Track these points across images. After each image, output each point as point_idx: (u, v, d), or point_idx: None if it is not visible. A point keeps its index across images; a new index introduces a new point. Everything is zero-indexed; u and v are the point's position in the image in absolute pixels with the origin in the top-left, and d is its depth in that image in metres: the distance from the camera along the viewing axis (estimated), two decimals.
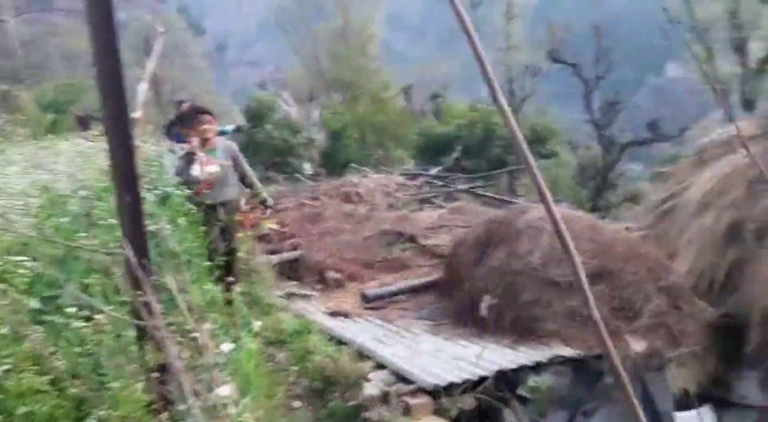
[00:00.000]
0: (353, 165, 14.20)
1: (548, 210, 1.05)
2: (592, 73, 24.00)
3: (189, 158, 4.93)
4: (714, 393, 5.36)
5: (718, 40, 21.54)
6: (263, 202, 5.31)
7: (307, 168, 17.60)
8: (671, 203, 5.41)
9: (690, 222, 5.16)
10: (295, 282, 6.65)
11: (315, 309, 5.76)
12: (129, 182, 2.85)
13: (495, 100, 0.96)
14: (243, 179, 5.21)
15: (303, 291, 6.19)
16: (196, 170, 4.86)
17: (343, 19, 26.49)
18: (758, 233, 4.89)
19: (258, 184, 5.39)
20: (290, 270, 6.99)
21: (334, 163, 17.81)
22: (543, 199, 1.01)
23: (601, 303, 4.70)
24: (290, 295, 5.99)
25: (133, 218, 2.86)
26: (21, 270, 2.61)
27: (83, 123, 14.00)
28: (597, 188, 22.52)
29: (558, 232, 1.02)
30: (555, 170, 23.78)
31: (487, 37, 25.76)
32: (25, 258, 2.82)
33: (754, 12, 19.31)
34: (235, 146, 5.31)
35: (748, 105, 20.64)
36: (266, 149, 17.04)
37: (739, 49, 20.34)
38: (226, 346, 2.46)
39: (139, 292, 2.72)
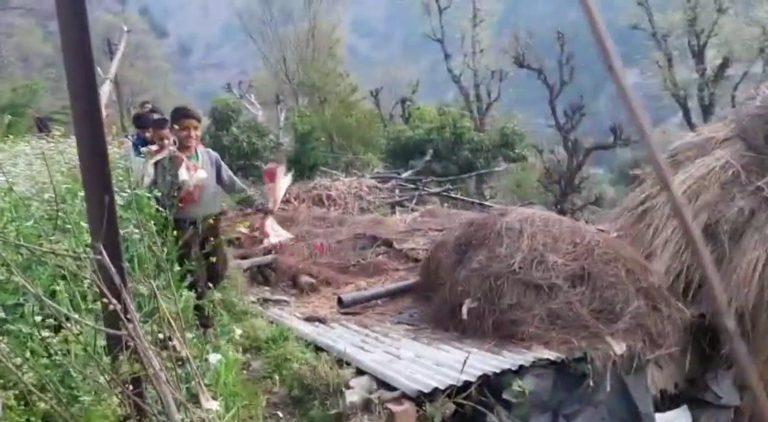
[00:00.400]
0: (323, 168, 14.05)
1: (675, 206, 0.95)
2: (555, 79, 24.38)
3: (176, 161, 4.56)
4: (690, 394, 5.40)
5: (677, 47, 22.10)
6: (263, 209, 5.11)
7: None
8: (646, 205, 5.44)
9: (665, 224, 5.20)
10: (267, 288, 6.48)
11: (290, 314, 5.61)
12: (102, 184, 2.70)
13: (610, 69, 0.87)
14: (232, 187, 4.97)
15: (277, 297, 6.03)
16: (184, 174, 4.44)
17: (310, 23, 26.38)
18: (732, 234, 4.95)
19: (247, 189, 5.22)
20: (262, 276, 6.82)
21: (301, 166, 17.65)
22: (667, 189, 0.91)
23: (582, 305, 4.69)
24: (264, 301, 5.83)
25: (107, 222, 2.70)
26: None
27: (42, 125, 13.53)
28: (562, 191, 22.83)
29: (684, 225, 0.92)
30: (521, 173, 24.04)
31: (454, 41, 25.98)
32: None
33: (711, 20, 19.88)
34: (216, 154, 5.03)
35: (706, 110, 21.21)
36: (232, 152, 16.78)
37: (697, 55, 20.90)
38: (214, 357, 2.32)
39: (112, 299, 2.56)
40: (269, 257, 6.95)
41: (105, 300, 2.56)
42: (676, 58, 21.97)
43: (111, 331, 2.24)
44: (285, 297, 6.07)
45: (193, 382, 2.50)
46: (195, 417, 1.86)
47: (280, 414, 4.04)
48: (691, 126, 21.45)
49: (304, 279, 6.50)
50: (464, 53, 25.48)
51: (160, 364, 1.87)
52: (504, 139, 16.50)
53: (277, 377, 4.42)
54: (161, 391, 1.81)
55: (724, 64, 19.93)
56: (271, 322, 5.32)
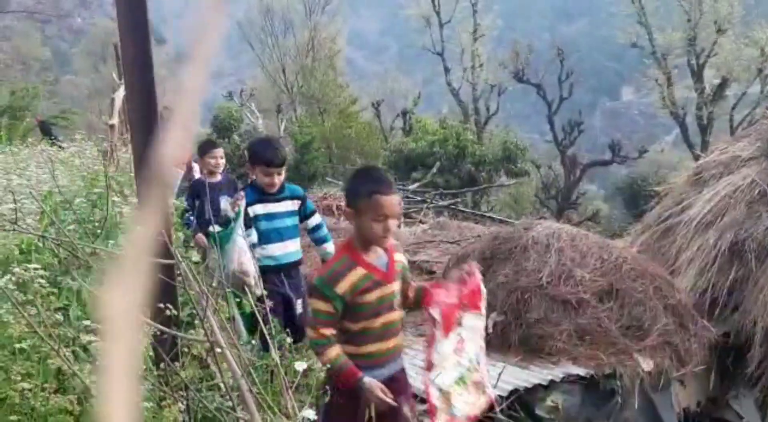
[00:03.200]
0: (329, 178, 14.01)
1: None
2: (554, 94, 24.58)
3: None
4: (711, 413, 5.38)
5: (676, 65, 22.35)
6: None
7: None
8: (670, 222, 5.44)
9: (690, 241, 5.20)
10: None
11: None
12: (157, 189, 2.65)
13: None
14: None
15: None
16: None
17: (311, 33, 26.45)
18: (759, 253, 4.95)
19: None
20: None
21: (300, 175, 17.64)
22: None
23: (611, 320, 4.66)
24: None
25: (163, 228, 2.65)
26: (40, 280, 2.36)
27: (45, 128, 13.43)
28: (559, 206, 22.94)
29: None
30: (518, 188, 24.11)
31: (453, 55, 26.13)
32: (38, 266, 2.57)
33: (711, 40, 20.15)
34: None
35: (704, 129, 21.42)
36: (233, 160, 16.75)
37: (696, 75, 21.14)
38: (300, 365, 2.27)
39: (166, 304, 2.51)
40: None
41: (161, 305, 2.52)
42: (674, 76, 22.21)
43: (188, 337, 2.18)
44: None
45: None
46: None
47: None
48: (689, 144, 21.66)
49: None
50: (464, 67, 25.62)
51: (241, 370, 1.82)
52: (506, 152, 16.55)
53: (303, 388, 4.36)
54: (244, 398, 1.75)
55: (723, 84, 20.15)
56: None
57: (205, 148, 5.13)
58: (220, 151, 5.14)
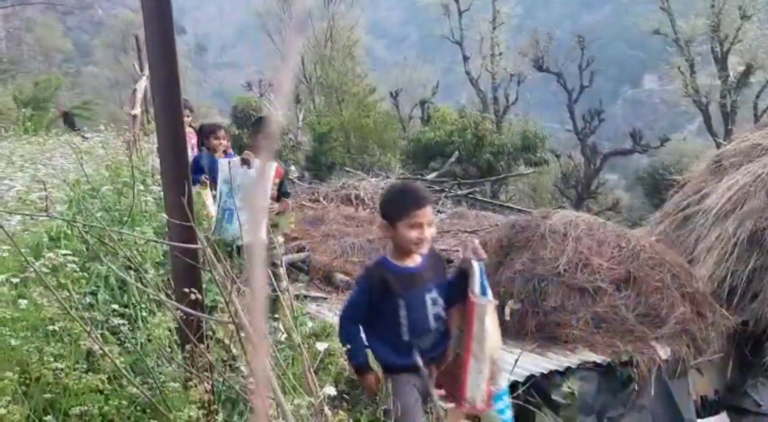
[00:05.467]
0: (347, 168, 14.08)
1: None
2: (574, 83, 24.31)
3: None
4: (729, 401, 5.38)
5: (699, 53, 21.97)
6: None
7: (293, 170, 17.46)
8: (689, 210, 5.43)
9: (709, 230, 5.18)
10: (303, 284, 6.51)
11: (329, 311, 5.63)
12: (179, 177, 2.72)
13: None
14: None
15: (314, 294, 6.06)
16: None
17: (329, 23, 26.43)
18: None
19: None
20: (296, 273, 6.84)
21: (319, 166, 17.69)
22: None
23: (628, 308, 4.68)
24: (302, 298, 5.85)
25: (182, 214, 2.73)
26: (71, 265, 2.45)
27: (69, 119, 13.65)
28: (579, 196, 22.75)
29: None
30: (537, 177, 23.96)
31: (472, 44, 25.95)
32: (68, 252, 2.67)
33: (735, 26, 19.76)
34: None
35: (727, 117, 21.06)
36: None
37: (720, 62, 20.77)
38: (321, 345, 2.35)
39: (192, 289, 2.59)
40: (302, 255, 6.98)
41: (186, 290, 2.61)
42: (697, 64, 21.84)
43: (214, 319, 2.27)
44: (322, 295, 6.09)
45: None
46: (305, 402, 1.88)
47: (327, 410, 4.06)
48: (712, 132, 21.32)
49: (339, 277, 6.52)
50: (483, 56, 25.42)
51: (269, 351, 1.90)
52: (526, 142, 16.46)
53: (321, 372, 4.44)
54: (267, 378, 1.83)
55: (747, 71, 19.79)
56: (311, 318, 5.34)
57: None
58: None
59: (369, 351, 2.83)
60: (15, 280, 2.61)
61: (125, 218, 3.63)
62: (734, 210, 5.09)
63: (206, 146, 5.40)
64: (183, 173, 2.75)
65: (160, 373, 2.37)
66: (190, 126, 6.05)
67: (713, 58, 20.99)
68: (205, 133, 5.50)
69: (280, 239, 5.35)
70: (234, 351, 2.57)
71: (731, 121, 20.60)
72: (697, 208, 5.32)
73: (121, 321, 2.82)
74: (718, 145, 13.06)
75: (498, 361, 2.72)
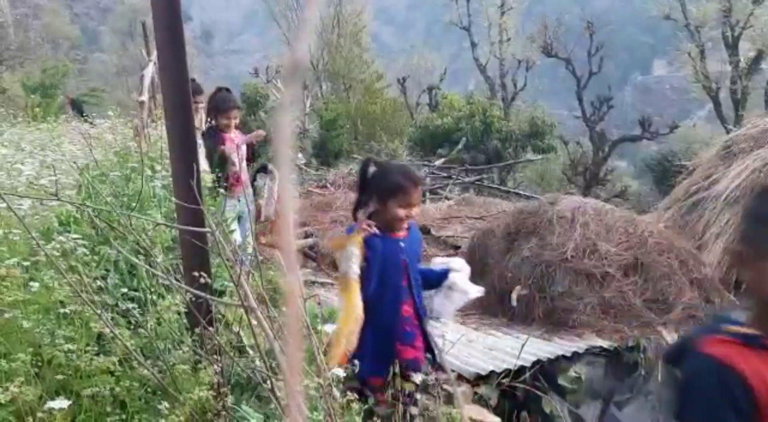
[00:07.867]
0: (355, 155, 14.07)
1: None
2: (583, 69, 24.11)
3: None
4: None
5: (710, 38, 21.72)
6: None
7: (300, 157, 17.47)
8: (698, 196, 5.40)
9: (718, 216, 5.16)
10: (310, 270, 6.54)
11: (337, 296, 5.66)
12: (189, 165, 2.73)
13: None
14: None
15: (322, 279, 6.08)
16: None
17: (336, 9, 26.31)
18: None
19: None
20: (303, 258, 6.87)
21: (326, 152, 17.68)
22: None
23: (635, 294, 4.68)
24: (311, 283, 5.88)
25: (192, 197, 2.75)
26: (81, 249, 2.47)
27: (76, 106, 13.68)
28: (587, 183, 22.65)
29: None
30: (545, 164, 23.83)
31: (480, 30, 25.78)
32: (78, 236, 2.69)
33: (746, 12, 19.51)
34: None
35: (738, 103, 20.86)
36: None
37: (731, 47, 20.53)
38: (330, 326, 2.37)
39: (201, 273, 2.61)
40: (310, 240, 7.01)
41: (195, 273, 2.62)
42: (708, 49, 21.60)
43: (223, 302, 2.29)
44: (330, 280, 6.12)
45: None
46: (314, 384, 1.90)
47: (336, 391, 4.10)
48: (722, 119, 21.13)
49: None
50: (491, 42, 25.25)
51: (274, 334, 1.91)
52: (534, 128, 16.38)
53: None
54: (277, 360, 1.85)
55: (758, 57, 19.57)
56: (319, 304, 5.37)
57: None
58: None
59: None
60: (26, 263, 2.63)
61: (134, 203, 3.65)
62: (744, 195, 5.06)
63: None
64: (191, 157, 2.76)
65: (170, 355, 2.40)
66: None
67: (724, 44, 20.75)
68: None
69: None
70: (242, 335, 2.59)
71: (742, 107, 20.40)
72: (706, 194, 5.29)
73: (131, 305, 2.85)
74: (728, 132, 12.95)
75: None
